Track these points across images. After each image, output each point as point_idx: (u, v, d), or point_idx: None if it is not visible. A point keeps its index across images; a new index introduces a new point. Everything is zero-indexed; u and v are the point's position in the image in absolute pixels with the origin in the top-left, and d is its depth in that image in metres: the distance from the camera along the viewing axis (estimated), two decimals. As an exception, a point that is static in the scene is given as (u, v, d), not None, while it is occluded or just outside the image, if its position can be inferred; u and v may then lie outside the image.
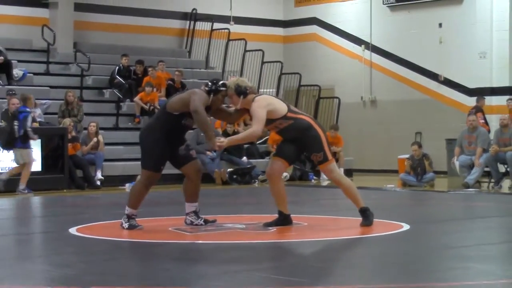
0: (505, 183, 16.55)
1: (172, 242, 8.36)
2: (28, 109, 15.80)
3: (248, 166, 18.63)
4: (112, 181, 17.18)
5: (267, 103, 8.87)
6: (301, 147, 9.11)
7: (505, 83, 20.55)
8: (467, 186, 16.16)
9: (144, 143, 9.14)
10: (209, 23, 23.17)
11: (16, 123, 15.56)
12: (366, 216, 9.07)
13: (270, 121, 8.91)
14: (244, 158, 18.86)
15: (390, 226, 9.45)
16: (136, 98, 19.50)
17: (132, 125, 19.58)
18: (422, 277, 6.49)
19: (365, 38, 23.09)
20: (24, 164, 15.59)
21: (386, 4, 22.55)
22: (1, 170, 16.08)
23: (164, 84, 20.36)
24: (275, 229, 9.12)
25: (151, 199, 14.92)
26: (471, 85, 20.96)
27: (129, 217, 9.15)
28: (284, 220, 9.22)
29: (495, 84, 20.66)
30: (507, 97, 19.84)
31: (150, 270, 6.77)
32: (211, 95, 8.93)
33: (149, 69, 20.23)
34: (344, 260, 7.60)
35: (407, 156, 18.03)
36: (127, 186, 16.81)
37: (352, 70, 23.08)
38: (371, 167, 21.90)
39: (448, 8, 21.38)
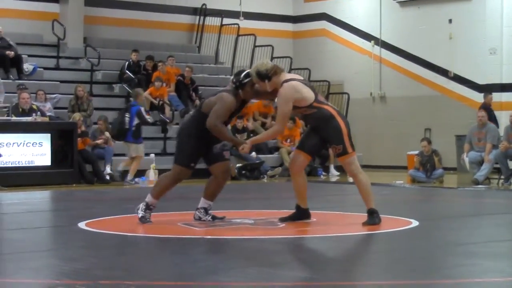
0: (514, 179, 16.51)
1: (181, 237, 8.37)
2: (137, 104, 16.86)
3: (257, 161, 18.64)
4: (121, 176, 17.20)
5: (295, 91, 8.70)
6: (323, 138, 8.99)
7: (515, 80, 20.51)
8: (476, 182, 16.13)
9: (179, 139, 9.26)
10: (218, 18, 23.18)
11: (127, 115, 16.52)
12: (372, 217, 8.92)
13: (295, 108, 8.79)
14: (253, 154, 18.86)
15: (399, 222, 9.45)
16: (146, 93, 19.52)
17: (142, 120, 19.60)
18: (430, 273, 6.50)
19: (375, 33, 23.07)
20: (135, 157, 16.81)
21: (396, 0, 22.51)
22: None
23: (173, 79, 20.39)
24: (284, 224, 9.13)
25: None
26: (481, 81, 20.92)
27: (147, 207, 9.18)
28: (300, 215, 9.20)
29: (505, 80, 20.61)
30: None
31: (159, 265, 6.79)
32: (240, 90, 8.92)
33: (159, 63, 20.25)
34: (352, 256, 7.61)
35: (416, 152, 18.01)
36: (137, 181, 16.87)
37: (361, 65, 23.07)
38: (380, 163, 21.89)
39: (458, 4, 21.34)
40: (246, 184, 17.47)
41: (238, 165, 18.42)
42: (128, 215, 10.33)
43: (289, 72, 22.54)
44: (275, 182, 17.92)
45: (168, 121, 19.09)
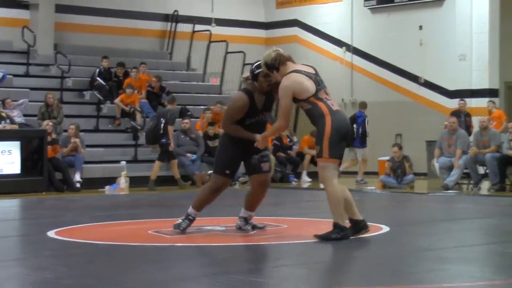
0: (484, 184, 16.62)
1: (151, 245, 8.33)
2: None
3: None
4: (92, 183, 17.12)
5: (294, 82, 8.32)
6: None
7: (485, 85, 20.65)
8: (446, 188, 16.22)
9: (217, 147, 9.24)
10: (190, 24, 23.15)
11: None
12: (331, 231, 8.30)
13: (295, 100, 8.44)
14: (225, 160, 18.80)
15: (370, 228, 9.46)
16: (117, 100, 19.46)
17: (113, 127, 19.54)
18: (401, 279, 6.51)
19: (346, 40, 23.16)
20: (360, 160, 18.63)
21: (367, 6, 22.62)
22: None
23: (145, 87, 20.32)
24: (255, 231, 9.11)
25: (132, 201, 14.95)
26: (451, 87, 21.06)
27: (187, 216, 9.01)
28: (358, 227, 8.50)
29: (475, 86, 20.76)
30: (487, 99, 19.97)
31: (129, 273, 6.76)
32: (255, 82, 8.78)
33: (133, 70, 20.15)
34: (322, 262, 7.61)
35: (387, 158, 18.08)
36: (107, 189, 16.79)
37: (333, 72, 23.09)
38: (352, 169, 21.91)
39: (428, 10, 21.47)
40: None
41: (210, 171, 18.36)
42: (98, 223, 10.29)
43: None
44: (246, 189, 17.86)
45: (139, 128, 19.02)
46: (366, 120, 18.84)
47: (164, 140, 17.44)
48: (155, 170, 17.53)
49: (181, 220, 8.98)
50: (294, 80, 8.36)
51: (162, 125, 17.41)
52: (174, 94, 20.83)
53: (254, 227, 9.15)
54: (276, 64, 8.46)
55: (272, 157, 18.10)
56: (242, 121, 8.77)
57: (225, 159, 8.88)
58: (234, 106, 8.80)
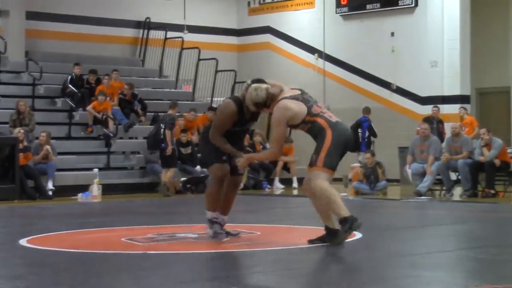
0: (457, 190, 16.71)
1: (124, 253, 8.30)
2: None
3: (202, 175, 18.54)
4: (64, 191, 17.02)
5: (285, 110, 8.26)
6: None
7: (456, 92, 20.78)
8: (419, 194, 16.29)
9: (200, 147, 9.29)
10: (162, 31, 23.12)
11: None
12: (342, 228, 8.24)
13: (294, 126, 8.44)
14: (198, 167, 18.81)
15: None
16: (89, 107, 19.37)
17: (85, 134, 19.45)
18: (373, 285, 6.52)
19: (319, 46, 23.22)
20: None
21: (339, 13, 22.69)
22: None
23: (117, 94, 20.26)
24: (228, 238, 9.09)
25: (105, 208, 14.89)
26: (423, 93, 21.17)
27: (211, 222, 8.93)
28: (331, 235, 8.48)
29: (446, 92, 20.88)
30: (459, 105, 20.09)
31: (102, 281, 6.73)
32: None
33: (105, 77, 20.08)
34: (295, 269, 7.60)
35: (359, 164, 18.13)
36: (80, 196, 16.72)
37: (305, 78, 23.14)
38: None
39: (400, 17, 21.58)
40: (191, 198, 17.37)
41: (182, 179, 18.31)
42: (71, 231, 10.24)
43: (233, 84, 22.59)
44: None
45: (111, 135, 18.95)
46: (372, 125, 19.13)
47: (163, 145, 17.57)
48: (167, 175, 17.71)
49: (210, 230, 8.90)
50: (284, 107, 8.30)
51: (162, 130, 17.60)
52: (146, 101, 20.83)
53: (228, 233, 9.08)
54: (267, 103, 8.41)
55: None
56: (229, 129, 8.74)
57: (214, 150, 8.77)
58: (222, 116, 8.74)
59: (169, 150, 17.56)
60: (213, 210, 8.92)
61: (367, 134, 19.09)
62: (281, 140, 8.50)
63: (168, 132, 17.60)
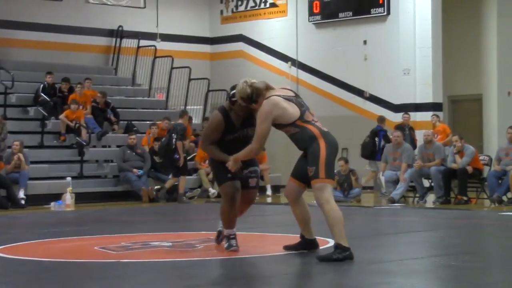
0: (430, 197, 16.78)
1: (97, 261, 8.26)
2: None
3: (175, 183, 18.54)
4: (37, 200, 16.91)
5: (274, 107, 8.04)
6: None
7: (429, 99, 20.89)
8: (392, 201, 16.35)
9: (209, 164, 9.08)
10: (135, 40, 23.07)
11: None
12: (333, 252, 7.95)
13: (279, 126, 8.17)
14: (171, 176, 18.76)
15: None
16: (62, 116, 19.28)
17: (58, 143, 19.35)
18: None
19: (292, 55, 23.26)
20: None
21: (311, 21, 22.75)
22: None
23: (90, 102, 20.18)
24: (202, 246, 9.07)
25: (78, 217, 14.81)
26: (396, 101, 21.26)
27: (228, 237, 8.76)
28: (306, 245, 8.50)
29: (419, 100, 20.98)
30: (431, 113, 20.19)
31: (74, 290, 6.70)
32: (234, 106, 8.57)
33: (78, 85, 20.00)
34: (268, 277, 7.60)
35: (334, 171, 18.15)
36: (52, 205, 16.62)
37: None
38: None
39: (372, 25, 21.67)
40: (165, 206, 17.36)
41: (156, 187, 18.30)
42: (44, 240, 10.18)
43: (206, 93, 22.58)
44: (193, 204, 17.85)
45: (84, 144, 18.87)
46: (387, 133, 19.02)
47: (177, 156, 17.43)
48: (180, 184, 17.76)
49: (226, 244, 8.73)
50: (273, 104, 8.07)
51: (174, 140, 17.44)
52: (119, 110, 20.75)
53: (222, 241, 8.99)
54: (253, 98, 8.25)
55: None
56: (221, 137, 8.61)
57: (221, 167, 8.56)
58: (209, 126, 8.70)
59: (181, 162, 17.46)
60: (228, 228, 8.75)
61: (382, 143, 19.05)
62: (263, 137, 8.16)
63: (179, 143, 17.43)
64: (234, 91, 8.47)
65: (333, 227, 7.98)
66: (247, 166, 8.68)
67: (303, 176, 8.16)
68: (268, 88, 8.30)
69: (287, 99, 8.14)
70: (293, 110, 8.08)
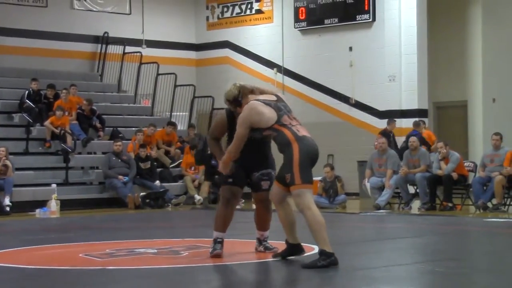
0: (415, 204, 16.81)
1: (82, 269, 8.23)
2: None
3: (161, 190, 18.52)
4: (22, 206, 16.84)
5: (252, 112, 8.12)
6: None
7: (414, 106, 20.94)
8: (378, 207, 16.37)
9: None
10: (121, 46, 23.04)
11: None
12: (318, 259, 7.87)
13: (260, 130, 8.21)
14: (157, 182, 18.75)
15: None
16: (47, 123, 19.22)
17: (43, 150, 19.28)
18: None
19: (277, 61, 23.29)
20: None
21: (297, 28, 22.78)
22: None
23: (75, 108, 20.12)
24: (187, 253, 9.06)
25: (63, 224, 14.77)
26: (381, 107, 21.29)
27: (214, 241, 8.75)
28: (290, 250, 8.48)
29: (404, 106, 21.03)
30: (417, 119, 20.24)
31: (59, 298, 6.67)
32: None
33: (63, 91, 19.92)
34: (251, 283, 7.60)
35: (319, 178, 18.15)
36: (38, 212, 16.56)
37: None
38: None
39: (358, 32, 21.71)
40: (150, 213, 17.32)
41: (142, 193, 18.26)
42: (28, 247, 10.13)
43: (192, 99, 22.56)
44: (179, 211, 17.83)
45: (70, 150, 18.82)
46: (423, 137, 18.79)
47: (214, 162, 17.27)
48: (205, 189, 18.13)
49: (211, 248, 8.72)
50: (251, 108, 8.16)
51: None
52: (105, 116, 20.71)
53: (266, 248, 8.94)
54: (239, 98, 8.34)
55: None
56: (229, 138, 8.71)
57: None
58: (214, 123, 8.98)
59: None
60: (219, 230, 8.73)
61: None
62: (240, 140, 8.22)
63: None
64: None
65: (316, 232, 7.94)
66: (260, 168, 8.73)
67: (285, 180, 8.12)
68: (253, 92, 8.36)
69: (266, 103, 8.19)
70: (271, 114, 8.12)
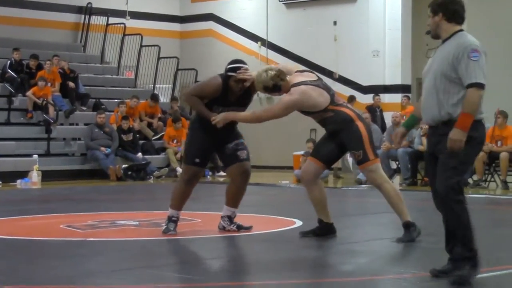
0: (396, 179, 16.87)
1: (63, 240, 8.22)
2: None
3: (143, 162, 18.50)
4: (3, 177, 16.77)
5: (303, 99, 7.80)
6: (341, 144, 8.00)
7: (397, 81, 20.96)
8: (360, 182, 16.42)
9: (187, 136, 8.65)
10: (104, 17, 22.90)
11: None
12: (408, 232, 7.93)
13: (309, 113, 7.95)
14: (139, 154, 18.71)
15: (283, 222, 9.53)
16: (29, 93, 19.12)
17: (25, 120, 19.19)
18: (312, 272, 6.56)
19: (262, 34, 23.22)
20: None
21: (282, 1, 22.71)
22: None
23: (58, 79, 20.00)
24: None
25: (44, 195, 14.74)
26: (365, 82, 21.31)
27: (169, 219, 8.41)
28: (324, 229, 8.25)
29: (388, 82, 21.05)
30: (400, 94, 20.27)
31: (38, 268, 6.66)
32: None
33: (47, 62, 19.78)
34: (235, 257, 7.62)
35: (302, 152, 18.18)
36: (19, 183, 16.52)
37: (249, 66, 23.08)
38: (267, 164, 22.04)
39: (342, 6, 21.67)
40: (132, 185, 17.31)
41: (124, 165, 18.23)
42: (9, 217, 10.11)
43: (176, 71, 22.48)
44: (161, 183, 17.81)
45: (52, 121, 18.73)
46: None
47: None
48: None
49: (165, 225, 8.42)
50: (303, 93, 7.83)
51: None
52: (87, 88, 20.61)
53: (239, 227, 8.54)
54: (278, 84, 7.91)
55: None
56: (209, 106, 8.12)
57: (194, 148, 8.29)
58: (205, 83, 8.30)
59: None
60: (174, 208, 8.41)
61: None
62: (273, 117, 7.98)
63: None
64: (232, 65, 8.17)
65: (397, 205, 8.05)
66: (231, 140, 8.35)
67: (327, 156, 8.06)
68: (287, 71, 8.01)
69: (315, 85, 7.92)
70: (322, 97, 7.88)
